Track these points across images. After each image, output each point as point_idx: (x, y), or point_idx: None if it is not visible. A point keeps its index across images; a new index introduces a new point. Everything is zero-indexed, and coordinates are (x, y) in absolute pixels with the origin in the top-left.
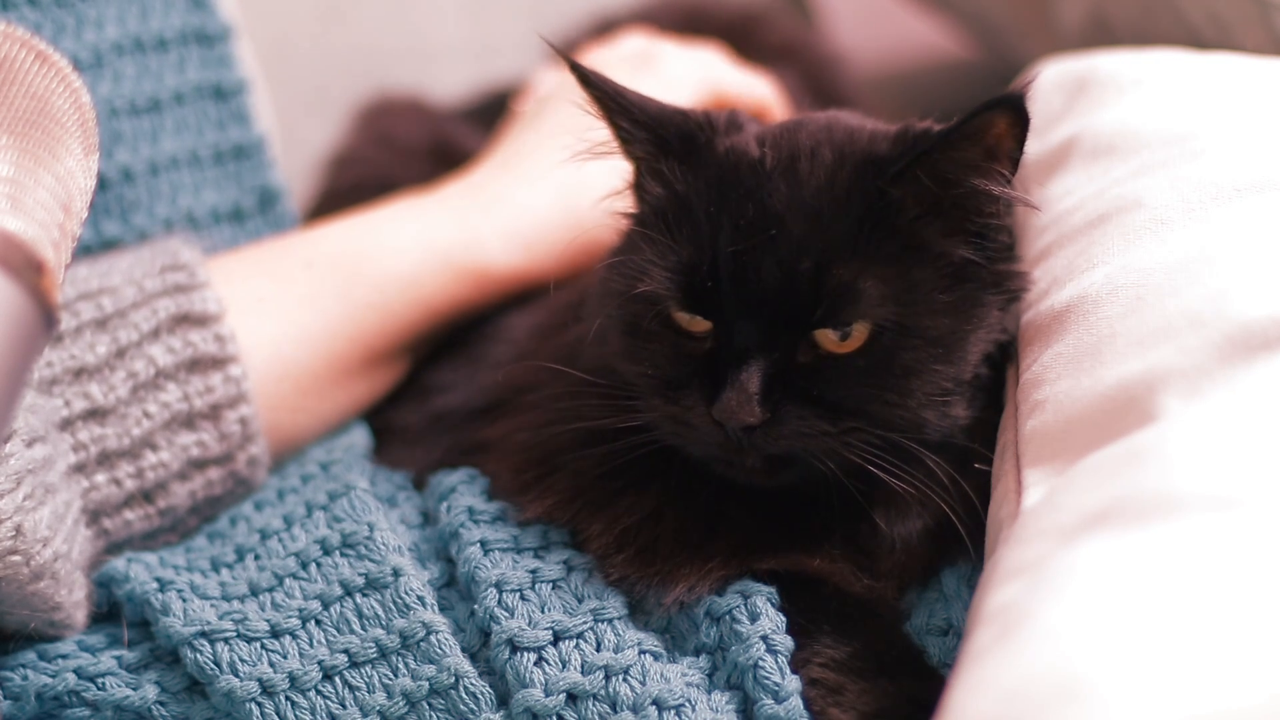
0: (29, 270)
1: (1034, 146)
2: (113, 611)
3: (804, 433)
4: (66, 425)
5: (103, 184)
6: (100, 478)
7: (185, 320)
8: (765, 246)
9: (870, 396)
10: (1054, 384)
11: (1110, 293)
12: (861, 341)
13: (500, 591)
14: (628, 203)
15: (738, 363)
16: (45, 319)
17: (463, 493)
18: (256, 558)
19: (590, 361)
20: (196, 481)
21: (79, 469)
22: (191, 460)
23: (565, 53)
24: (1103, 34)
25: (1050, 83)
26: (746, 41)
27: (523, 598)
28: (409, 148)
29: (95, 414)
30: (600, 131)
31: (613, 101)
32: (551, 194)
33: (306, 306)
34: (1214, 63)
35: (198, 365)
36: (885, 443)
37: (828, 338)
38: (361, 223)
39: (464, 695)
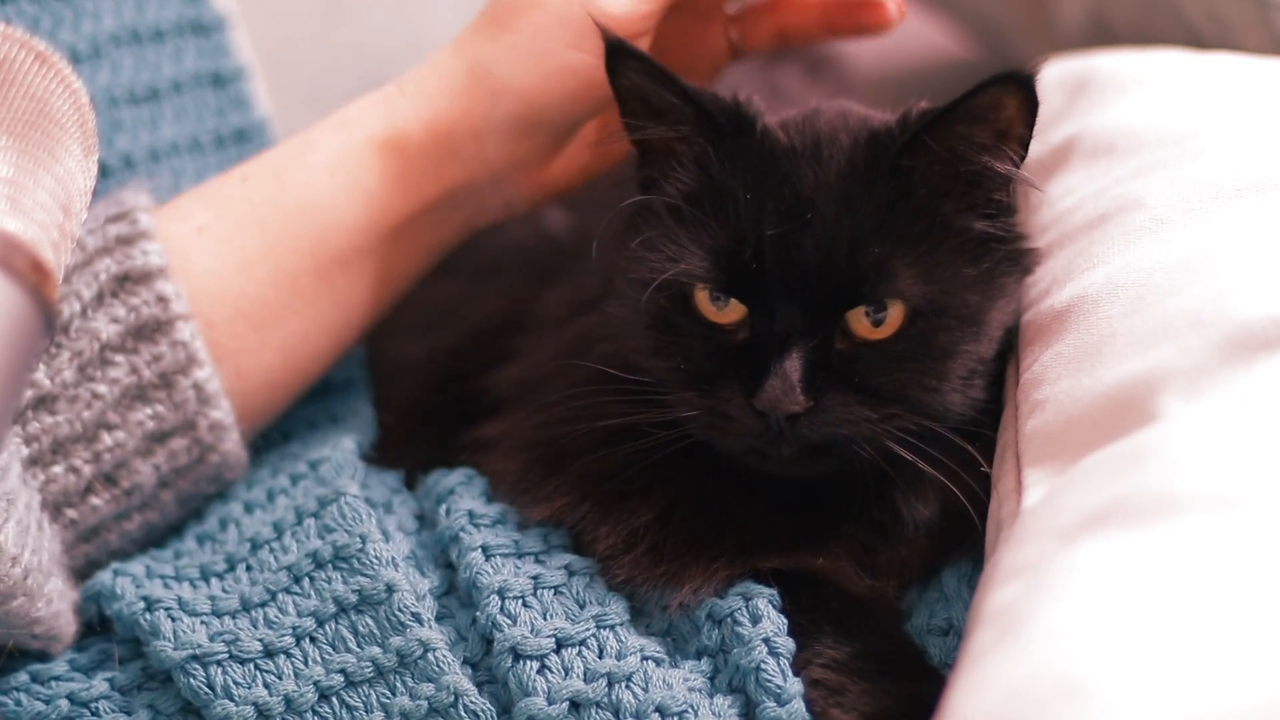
0: (29, 271)
1: (1034, 146)
2: (105, 621)
3: (848, 419)
4: (16, 418)
5: (104, 171)
6: (57, 469)
7: (126, 280)
8: (803, 229)
9: (909, 381)
10: (1054, 384)
11: (1110, 292)
12: (897, 326)
13: (503, 599)
14: (634, 192)
15: (778, 351)
16: (45, 320)
17: (461, 495)
18: (248, 569)
19: (602, 357)
20: (159, 455)
21: (33, 462)
22: (149, 434)
23: (609, 31)
24: (1103, 34)
25: (1050, 83)
26: None
27: (525, 605)
28: None
29: (44, 402)
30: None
31: (662, 78)
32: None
33: (245, 229)
34: (1214, 63)
35: (143, 331)
36: (920, 427)
37: (863, 323)
38: (298, 134)
39: (463, 714)
